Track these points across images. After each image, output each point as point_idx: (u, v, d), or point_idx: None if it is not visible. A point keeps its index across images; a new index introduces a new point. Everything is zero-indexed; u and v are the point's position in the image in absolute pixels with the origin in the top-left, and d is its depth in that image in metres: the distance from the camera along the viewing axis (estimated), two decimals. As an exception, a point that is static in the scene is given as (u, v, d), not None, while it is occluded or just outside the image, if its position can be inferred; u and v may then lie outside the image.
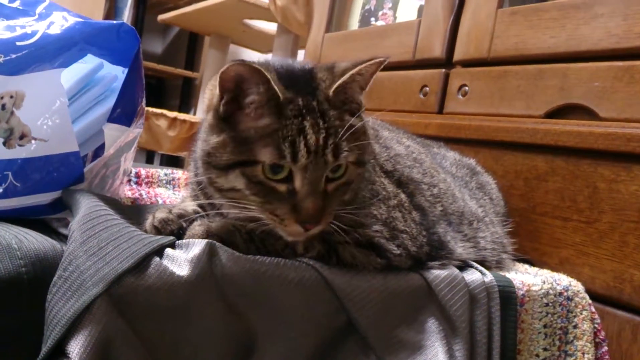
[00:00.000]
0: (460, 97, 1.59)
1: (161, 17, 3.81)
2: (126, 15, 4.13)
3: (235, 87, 0.80)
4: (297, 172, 0.79)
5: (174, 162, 4.01)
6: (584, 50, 1.30)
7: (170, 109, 4.19)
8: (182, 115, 3.18)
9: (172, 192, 1.43)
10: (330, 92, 0.83)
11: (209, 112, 0.86)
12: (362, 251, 0.87)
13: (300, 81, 0.83)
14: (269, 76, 0.77)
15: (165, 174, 1.46)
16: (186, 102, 4.60)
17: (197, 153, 0.88)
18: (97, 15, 3.68)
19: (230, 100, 0.82)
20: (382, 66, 0.85)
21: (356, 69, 0.83)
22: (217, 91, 0.82)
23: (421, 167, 1.08)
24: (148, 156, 4.32)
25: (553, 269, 1.24)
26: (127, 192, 1.30)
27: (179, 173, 1.48)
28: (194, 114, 4.04)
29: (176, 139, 3.17)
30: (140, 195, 1.32)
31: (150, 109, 3.22)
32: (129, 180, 1.38)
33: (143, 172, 1.42)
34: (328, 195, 0.82)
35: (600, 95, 1.25)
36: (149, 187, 1.41)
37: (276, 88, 0.78)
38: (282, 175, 0.79)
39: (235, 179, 0.80)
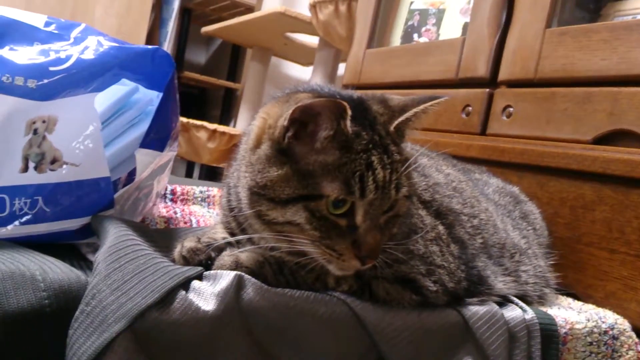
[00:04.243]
0: (504, 118, 1.54)
1: (204, 29, 3.84)
2: (171, 26, 4.18)
3: (308, 120, 0.77)
4: (360, 207, 0.76)
5: (213, 172, 4.04)
6: (636, 74, 1.24)
7: (212, 119, 4.23)
8: (221, 128, 3.20)
9: (206, 209, 1.42)
10: (392, 127, 0.82)
11: (265, 143, 0.81)
12: (397, 287, 0.84)
13: (357, 113, 0.80)
14: (349, 112, 0.74)
15: (201, 191, 1.46)
16: (227, 113, 4.63)
17: (241, 184, 0.84)
18: (142, 26, 3.73)
19: (296, 132, 0.78)
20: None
21: (421, 107, 0.82)
22: (280, 122, 0.78)
23: (461, 196, 1.04)
24: (188, 167, 4.36)
25: (598, 303, 1.19)
26: (162, 209, 1.29)
27: (214, 190, 1.47)
28: (234, 125, 4.06)
29: (215, 151, 3.18)
30: (175, 213, 1.31)
31: (191, 121, 3.25)
32: (164, 197, 1.38)
33: (179, 189, 1.42)
34: (382, 229, 0.80)
35: (653, 121, 1.19)
36: (184, 205, 1.41)
37: (349, 123, 0.76)
38: (343, 209, 0.76)
39: (296, 213, 0.76)
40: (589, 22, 1.45)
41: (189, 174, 4.32)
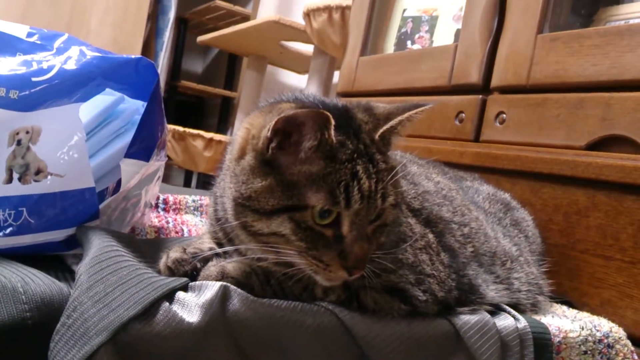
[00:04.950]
0: (497, 124, 1.53)
1: (200, 38, 3.85)
2: (167, 36, 4.19)
3: (292, 131, 0.76)
4: (346, 218, 0.76)
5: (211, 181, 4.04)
6: (628, 79, 1.24)
7: (209, 127, 4.23)
8: (218, 136, 3.21)
9: (199, 219, 1.41)
10: (376, 135, 0.81)
11: (248, 154, 0.80)
12: (385, 297, 0.83)
13: (342, 121, 0.79)
14: (332, 122, 0.73)
15: (194, 200, 1.45)
16: (224, 121, 4.64)
17: (226, 194, 0.83)
18: (138, 36, 3.73)
19: (280, 142, 0.77)
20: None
21: (405, 115, 0.82)
22: (263, 133, 0.77)
23: (451, 204, 1.03)
24: (186, 176, 4.36)
25: (594, 311, 1.18)
26: (154, 219, 1.28)
27: (207, 199, 1.46)
28: (231, 134, 4.06)
29: (212, 160, 3.19)
30: (167, 222, 1.30)
31: (187, 130, 3.25)
32: (157, 207, 1.37)
33: (171, 198, 1.42)
34: (369, 238, 0.79)
35: (646, 127, 1.18)
36: (176, 214, 1.40)
37: (332, 133, 0.75)
38: (329, 219, 0.75)
39: (281, 224, 0.76)
40: (581, 27, 1.45)
41: (187, 183, 4.33)
